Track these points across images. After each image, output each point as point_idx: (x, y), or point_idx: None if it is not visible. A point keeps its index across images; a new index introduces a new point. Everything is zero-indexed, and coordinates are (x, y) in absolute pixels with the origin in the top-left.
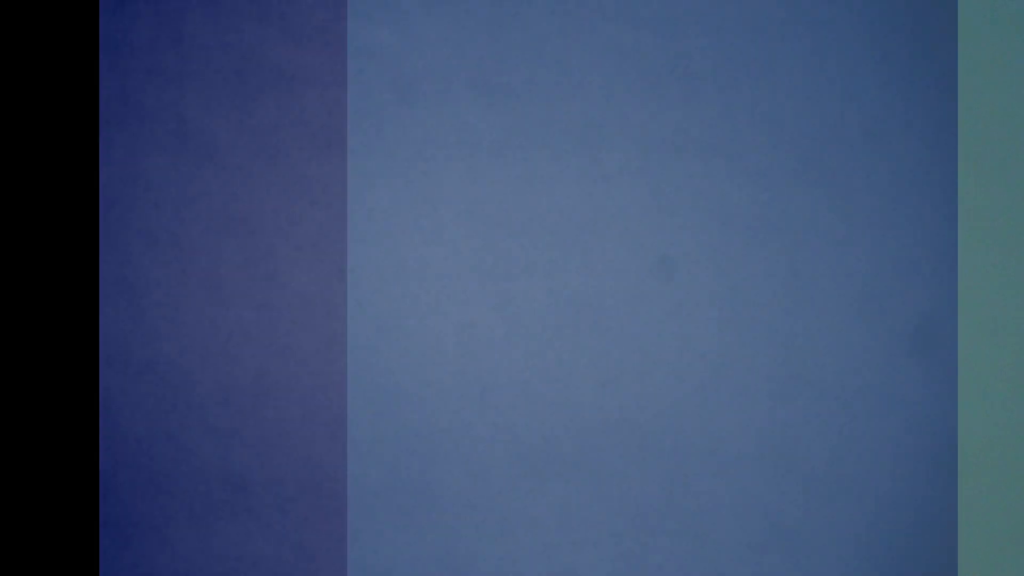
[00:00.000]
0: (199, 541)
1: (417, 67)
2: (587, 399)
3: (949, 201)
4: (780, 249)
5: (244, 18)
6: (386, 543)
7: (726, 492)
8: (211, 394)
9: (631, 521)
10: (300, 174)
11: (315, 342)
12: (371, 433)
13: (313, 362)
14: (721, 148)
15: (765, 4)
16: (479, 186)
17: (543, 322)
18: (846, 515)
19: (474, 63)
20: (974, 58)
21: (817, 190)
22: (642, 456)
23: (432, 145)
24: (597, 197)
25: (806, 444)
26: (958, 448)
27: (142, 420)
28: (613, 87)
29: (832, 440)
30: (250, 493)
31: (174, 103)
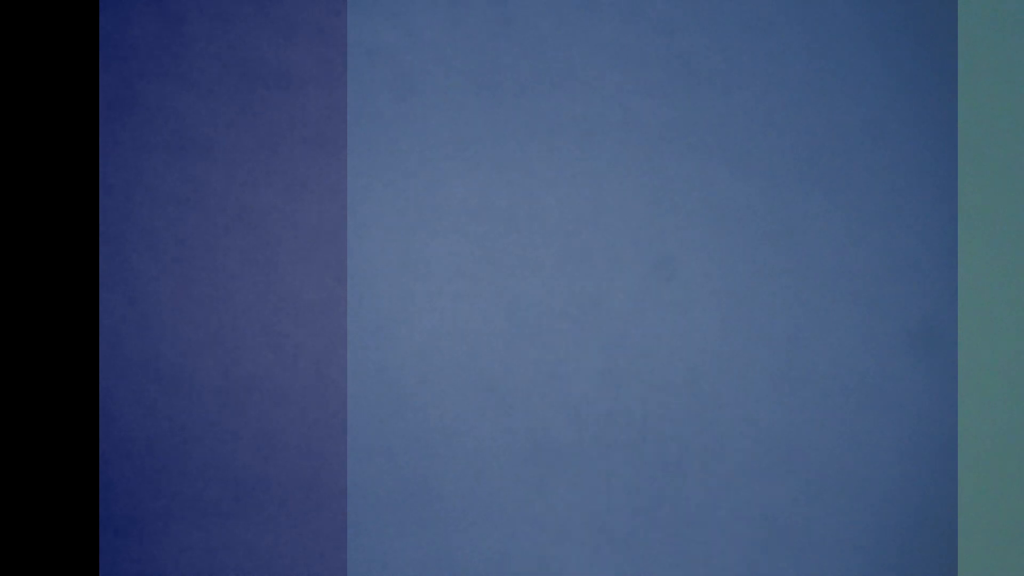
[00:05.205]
0: (199, 541)
1: (417, 66)
2: (587, 398)
3: (949, 201)
4: (780, 248)
5: (244, 18)
6: (386, 543)
7: (726, 491)
8: (211, 394)
9: (631, 521)
10: (300, 174)
11: (315, 342)
12: (371, 433)
13: (313, 362)
14: (721, 148)
15: (765, 4)
16: (479, 185)
17: (543, 321)
18: (846, 515)
19: (474, 63)
20: (974, 58)
21: (818, 190)
22: (643, 456)
23: (432, 144)
24: (597, 196)
25: (806, 444)
26: (958, 448)
27: (142, 420)
28: (613, 87)
29: (832, 440)
30: (250, 493)
31: (174, 103)
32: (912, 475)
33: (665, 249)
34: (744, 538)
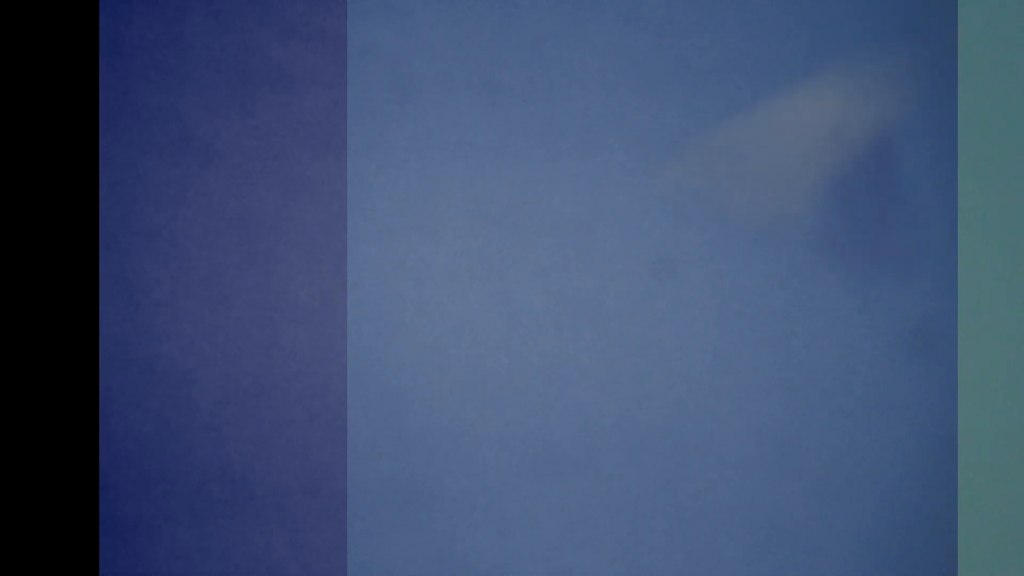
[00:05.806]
0: (199, 541)
1: (417, 67)
2: (587, 399)
3: (949, 201)
4: (780, 249)
5: (244, 18)
6: (386, 543)
7: (726, 492)
8: (211, 394)
9: (631, 521)
10: (300, 174)
11: (315, 342)
12: (371, 433)
13: (313, 362)
14: (721, 148)
15: (765, 4)
16: (479, 186)
17: (543, 322)
18: (846, 515)
19: (474, 63)
20: (974, 58)
21: (817, 190)
22: (642, 456)
23: (432, 145)
24: (597, 197)
25: (806, 444)
26: (958, 448)
27: (142, 420)
28: (613, 87)
29: (832, 440)
30: (250, 493)
31: (174, 103)
32: (912, 475)
33: (664, 250)
34: (744, 538)
